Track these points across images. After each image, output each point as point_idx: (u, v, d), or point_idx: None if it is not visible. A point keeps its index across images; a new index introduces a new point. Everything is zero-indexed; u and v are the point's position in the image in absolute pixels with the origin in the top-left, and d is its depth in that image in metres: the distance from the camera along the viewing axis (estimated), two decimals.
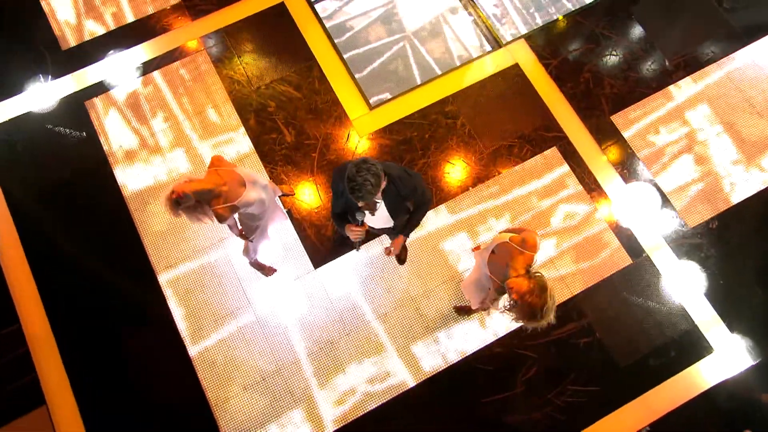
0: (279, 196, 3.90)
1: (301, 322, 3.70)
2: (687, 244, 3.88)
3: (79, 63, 4.32)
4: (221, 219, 2.63)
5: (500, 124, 4.17)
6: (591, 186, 4.01)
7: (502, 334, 3.65)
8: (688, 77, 4.29)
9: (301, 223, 3.92)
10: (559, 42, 4.41)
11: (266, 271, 3.78)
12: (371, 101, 4.26)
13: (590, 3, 4.57)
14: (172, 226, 3.87)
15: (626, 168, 4.05)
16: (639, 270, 3.82)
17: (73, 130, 4.14)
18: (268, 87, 4.26)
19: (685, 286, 3.77)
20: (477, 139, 4.14)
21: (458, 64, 4.37)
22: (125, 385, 3.55)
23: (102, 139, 4.11)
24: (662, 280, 3.79)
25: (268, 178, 3.90)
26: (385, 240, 3.86)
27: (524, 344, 3.65)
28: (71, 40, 4.39)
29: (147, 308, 3.72)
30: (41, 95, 4.23)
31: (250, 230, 3.12)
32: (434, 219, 3.91)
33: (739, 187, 4.00)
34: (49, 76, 4.30)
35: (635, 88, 4.27)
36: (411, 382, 3.55)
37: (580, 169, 4.05)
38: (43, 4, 4.52)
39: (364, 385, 3.55)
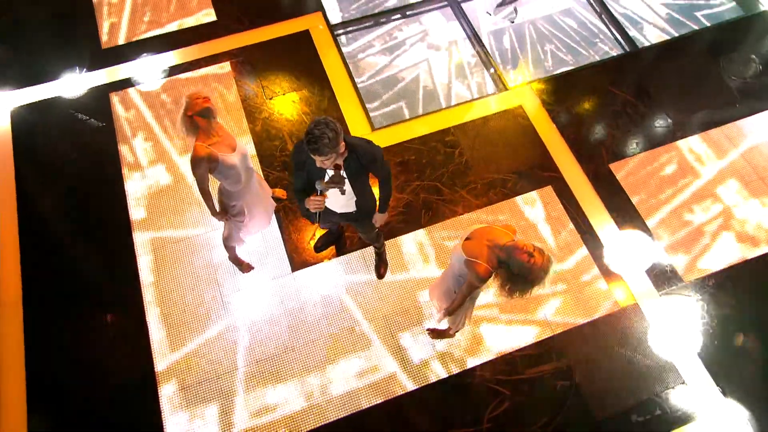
0: (273, 198, 4.03)
1: (265, 321, 3.66)
2: (680, 299, 3.75)
3: (114, 60, 4.75)
4: (194, 162, 2.73)
5: (497, 158, 4.28)
6: (583, 227, 4.00)
7: (476, 364, 3.51)
8: (693, 137, 4.37)
9: (287, 227, 4.00)
10: (565, 91, 4.61)
11: (244, 267, 3.82)
12: (375, 124, 4.47)
13: (601, 60, 4.82)
14: (170, 219, 4.02)
15: (621, 215, 4.05)
16: (627, 318, 3.68)
17: (93, 118, 4.47)
18: (279, 99, 4.55)
19: (675, 342, 3.60)
20: (473, 170, 4.24)
21: (463, 100, 4.59)
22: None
23: (117, 130, 4.40)
24: (651, 332, 3.63)
25: (263, 177, 4.03)
26: (368, 255, 3.88)
27: (496, 378, 3.49)
28: (112, 40, 4.86)
29: (121, 289, 3.77)
30: (72, 84, 4.63)
31: (222, 208, 3.20)
32: (419, 239, 3.94)
33: (742, 247, 3.91)
34: (84, 69, 4.72)
35: (637, 142, 4.37)
36: (365, 404, 3.40)
37: (574, 210, 4.06)
38: (95, 3, 5.07)
39: (301, 400, 3.41)
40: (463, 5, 5.16)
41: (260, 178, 3.43)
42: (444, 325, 3.44)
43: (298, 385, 3.45)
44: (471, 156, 4.30)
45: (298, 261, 3.89)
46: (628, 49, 4.91)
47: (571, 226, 4.01)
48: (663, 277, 3.83)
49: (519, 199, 4.12)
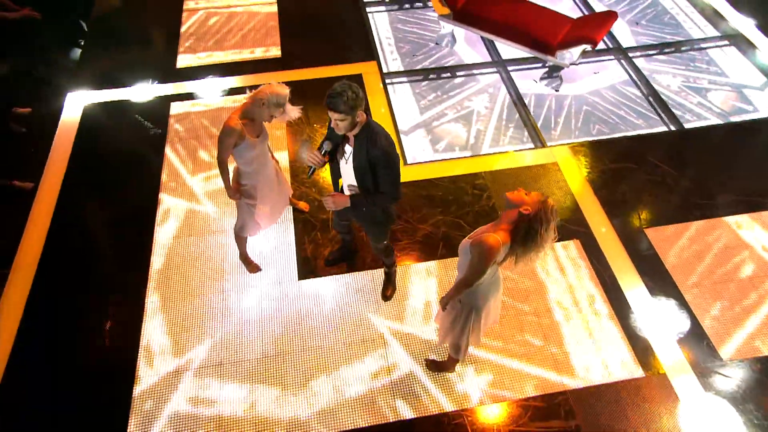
0: (294, 204, 4.16)
1: (257, 323, 3.60)
2: (718, 377, 3.37)
3: (183, 77, 5.32)
4: (225, 130, 2.95)
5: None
6: (609, 285, 3.79)
7: (475, 404, 3.23)
8: (742, 215, 4.20)
9: (303, 238, 4.06)
10: (604, 155, 4.65)
11: (252, 267, 3.85)
12: (408, 159, 4.64)
13: (643, 133, 4.88)
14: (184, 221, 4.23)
15: (653, 280, 3.83)
16: (653, 387, 3.33)
17: (150, 123, 4.91)
18: (321, 126, 4.86)
19: (708, 425, 3.18)
20: (498, 213, 4.22)
21: (499, 150, 4.71)
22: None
23: (169, 138, 4.79)
24: (680, 408, 3.24)
25: (290, 186, 4.15)
26: (377, 276, 3.83)
27: (498, 424, 3.17)
28: (185, 61, 5.48)
29: (128, 275, 3.88)
30: (142, 92, 5.18)
31: (235, 184, 3.33)
32: (435, 270, 3.86)
33: None
34: (155, 81, 5.30)
35: (677, 212, 4.24)
36: (349, 425, 3.15)
37: (601, 267, 3.89)
38: (182, 30, 5.79)
39: (272, 411, 3.21)
40: (512, 72, 5.48)
41: (280, 171, 3.58)
42: (448, 345, 3.24)
43: (262, 392, 3.28)
44: (498, 201, 4.31)
45: (306, 270, 3.88)
46: (672, 127, 4.96)
47: (597, 281, 3.81)
48: (698, 352, 3.49)
49: None
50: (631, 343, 3.52)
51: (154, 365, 3.41)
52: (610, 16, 4.88)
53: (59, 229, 4.14)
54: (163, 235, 4.08)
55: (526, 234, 2.26)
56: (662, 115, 5.09)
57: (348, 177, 2.85)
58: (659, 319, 3.63)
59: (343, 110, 2.45)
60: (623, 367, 3.41)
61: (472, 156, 4.70)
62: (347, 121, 2.52)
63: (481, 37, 5.84)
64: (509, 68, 5.52)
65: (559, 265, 3.91)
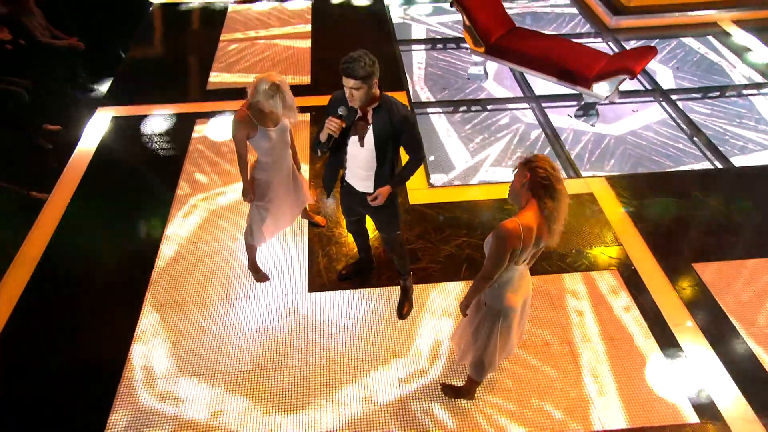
0: (310, 218, 4.01)
1: (261, 332, 3.34)
2: None
3: (212, 98, 5.43)
4: (233, 124, 2.89)
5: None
6: (654, 319, 3.43)
7: None
8: None
9: (317, 250, 3.87)
10: (644, 188, 4.41)
11: (260, 276, 3.66)
12: (431, 182, 4.50)
13: (687, 169, 4.64)
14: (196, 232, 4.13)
15: (705, 317, 3.45)
16: None
17: (169, 140, 4.95)
18: None
19: None
20: None
21: None
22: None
23: (189, 153, 4.79)
24: None
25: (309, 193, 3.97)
26: (393, 293, 3.57)
27: None
28: (216, 83, 5.62)
29: (131, 276, 3.74)
30: (169, 109, 5.28)
31: (252, 182, 3.21)
32: (457, 290, 3.59)
33: None
34: (185, 99, 5.42)
35: (730, 249, 3.91)
36: None
37: (644, 300, 3.54)
38: (218, 54, 6.00)
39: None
40: (546, 109, 5.41)
41: (298, 172, 3.46)
42: (466, 368, 2.90)
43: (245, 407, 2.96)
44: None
45: (318, 284, 3.65)
46: (719, 164, 4.72)
47: (637, 314, 3.45)
48: (764, 398, 3.03)
49: (576, 275, 3.70)
50: (682, 385, 3.09)
51: (146, 372, 3.14)
52: (650, 50, 4.83)
53: (68, 227, 4.06)
54: (170, 240, 3.95)
55: (544, 187, 2.08)
56: (707, 152, 4.87)
57: (359, 161, 2.70)
58: (715, 360, 3.21)
59: (361, 75, 2.35)
60: (672, 410, 2.97)
61: (497, 183, 4.53)
62: (363, 90, 2.42)
63: (513, 74, 5.86)
64: (543, 105, 5.45)
65: (598, 295, 3.57)
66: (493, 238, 2.17)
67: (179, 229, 4.03)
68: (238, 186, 4.31)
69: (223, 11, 7.05)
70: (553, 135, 5.06)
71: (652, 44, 6.23)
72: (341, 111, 2.53)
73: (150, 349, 3.26)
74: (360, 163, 2.72)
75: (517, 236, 2.09)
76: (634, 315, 3.45)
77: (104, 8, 6.92)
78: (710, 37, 6.60)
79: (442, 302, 3.53)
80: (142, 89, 5.60)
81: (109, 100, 5.45)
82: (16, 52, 5.38)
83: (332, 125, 2.52)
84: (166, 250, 3.87)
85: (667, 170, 4.71)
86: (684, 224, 4.11)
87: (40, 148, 4.88)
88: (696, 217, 4.17)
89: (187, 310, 3.48)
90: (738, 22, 6.81)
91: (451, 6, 5.38)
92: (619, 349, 3.26)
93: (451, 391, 3.02)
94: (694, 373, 3.14)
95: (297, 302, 3.53)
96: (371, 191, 2.80)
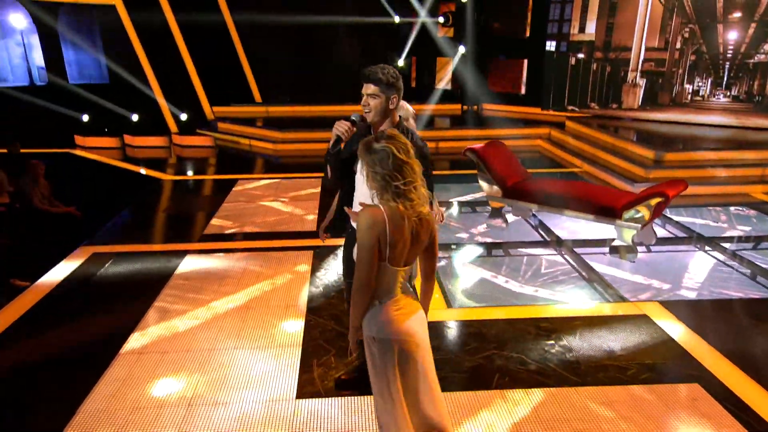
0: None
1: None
2: None
3: (204, 240, 5.44)
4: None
5: (612, 346, 3.48)
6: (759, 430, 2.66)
7: None
8: None
9: (311, 360, 3.38)
10: (710, 314, 3.96)
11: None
12: (452, 302, 4.16)
13: (757, 297, 4.19)
14: None
15: None
16: None
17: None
18: None
19: None
20: (574, 352, 3.44)
21: (563, 304, 4.16)
22: None
23: (170, 284, 4.61)
24: None
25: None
26: None
27: None
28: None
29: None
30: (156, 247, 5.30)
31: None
32: (486, 401, 2.95)
33: None
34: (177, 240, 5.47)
35: None
36: None
37: (738, 410, 2.81)
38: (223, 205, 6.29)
39: None
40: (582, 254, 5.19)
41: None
42: None
43: None
44: (574, 342, 3.55)
45: (308, 390, 3.08)
46: None
47: (741, 427, 2.68)
48: None
49: (642, 387, 3.04)
50: None
51: None
52: (681, 182, 4.88)
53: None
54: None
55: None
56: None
57: (363, 193, 2.56)
58: None
59: (381, 79, 2.41)
60: None
61: (527, 305, 4.13)
62: (379, 101, 2.44)
63: (531, 225, 5.83)
64: (576, 249, 5.27)
65: (687, 412, 2.85)
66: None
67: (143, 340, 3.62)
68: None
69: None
70: (588, 274, 4.74)
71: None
72: (354, 116, 2.53)
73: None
74: (362, 197, 2.58)
75: (376, 216, 1.95)
76: (729, 426, 2.67)
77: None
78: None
79: (464, 414, 2.84)
80: (135, 230, 5.82)
81: (98, 240, 5.39)
82: (9, 214, 5.53)
83: (341, 126, 2.50)
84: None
85: (728, 297, 4.24)
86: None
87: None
88: None
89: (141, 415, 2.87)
90: None
91: (464, 155, 5.72)
92: None
93: None
94: None
95: (281, 408, 2.90)
96: None
